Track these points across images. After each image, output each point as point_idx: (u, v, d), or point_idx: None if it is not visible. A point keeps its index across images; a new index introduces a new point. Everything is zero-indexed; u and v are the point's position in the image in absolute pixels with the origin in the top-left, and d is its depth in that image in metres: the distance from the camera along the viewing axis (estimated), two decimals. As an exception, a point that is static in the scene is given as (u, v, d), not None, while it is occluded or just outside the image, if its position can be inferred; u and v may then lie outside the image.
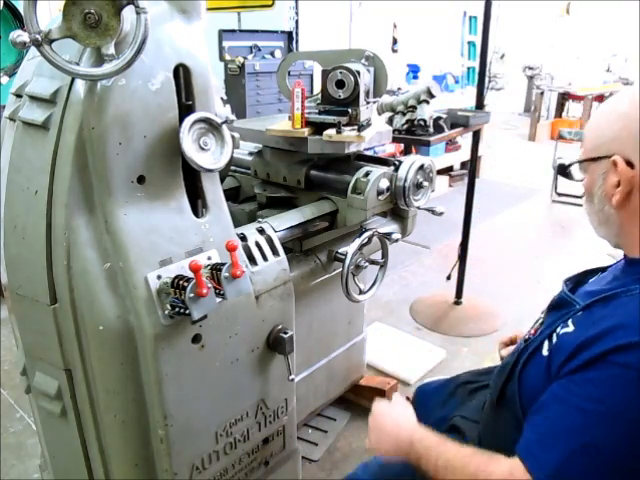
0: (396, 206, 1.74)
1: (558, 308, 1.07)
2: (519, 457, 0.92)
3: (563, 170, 1.10)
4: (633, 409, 0.84)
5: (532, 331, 1.11)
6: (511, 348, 1.29)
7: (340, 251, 1.68)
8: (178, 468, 1.27)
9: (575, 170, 1.07)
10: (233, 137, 1.24)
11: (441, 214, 1.74)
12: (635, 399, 0.84)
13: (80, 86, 1.04)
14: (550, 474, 0.88)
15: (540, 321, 1.12)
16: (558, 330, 0.99)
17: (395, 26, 6.88)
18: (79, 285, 1.11)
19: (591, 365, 0.89)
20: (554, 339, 0.99)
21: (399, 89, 4.99)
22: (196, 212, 1.23)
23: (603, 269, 1.14)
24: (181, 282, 1.09)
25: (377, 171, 1.62)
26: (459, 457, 0.99)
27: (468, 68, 8.00)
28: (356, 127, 1.61)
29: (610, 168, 0.96)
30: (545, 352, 0.99)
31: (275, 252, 1.43)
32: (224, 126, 1.19)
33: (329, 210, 1.68)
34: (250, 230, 1.42)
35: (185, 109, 1.17)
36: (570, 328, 0.97)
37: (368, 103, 1.70)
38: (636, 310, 0.89)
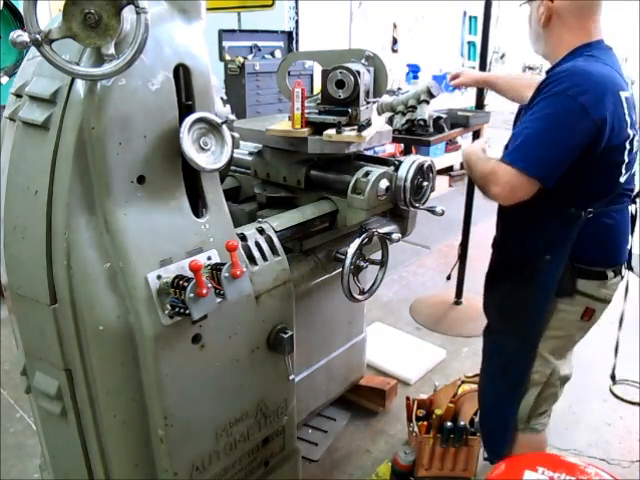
0: (396, 206, 1.74)
1: (517, 120, 1.66)
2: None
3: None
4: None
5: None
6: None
7: (340, 251, 1.68)
8: (178, 468, 1.27)
9: (525, 7, 1.59)
10: (233, 137, 1.24)
11: (441, 214, 1.74)
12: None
13: (80, 86, 1.04)
14: (511, 151, 1.43)
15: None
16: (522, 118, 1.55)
17: (395, 26, 6.87)
18: (79, 285, 1.11)
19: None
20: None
21: (399, 89, 4.98)
22: (196, 212, 1.23)
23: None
24: (181, 282, 1.09)
25: (377, 171, 1.62)
26: (480, 162, 1.56)
27: (468, 68, 7.99)
28: (356, 127, 1.61)
29: (540, 3, 1.50)
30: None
31: (275, 252, 1.43)
32: (224, 126, 1.19)
33: (329, 210, 1.68)
34: (250, 230, 1.42)
35: (185, 109, 1.17)
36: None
37: (368, 103, 1.70)
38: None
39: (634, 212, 1.64)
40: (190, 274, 1.09)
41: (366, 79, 1.65)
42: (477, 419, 2.07)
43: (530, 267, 1.58)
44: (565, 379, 1.73)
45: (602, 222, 1.52)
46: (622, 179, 1.51)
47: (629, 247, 1.64)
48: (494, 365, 1.81)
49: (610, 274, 1.58)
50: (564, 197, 1.48)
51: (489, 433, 1.89)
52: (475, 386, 2.19)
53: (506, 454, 1.68)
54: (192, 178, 1.22)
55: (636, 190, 1.61)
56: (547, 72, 1.53)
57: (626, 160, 1.48)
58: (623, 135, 1.44)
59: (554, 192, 1.43)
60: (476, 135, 3.19)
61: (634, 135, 1.48)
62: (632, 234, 1.65)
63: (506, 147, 1.49)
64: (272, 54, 5.10)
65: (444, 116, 2.88)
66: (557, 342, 1.65)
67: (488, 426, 1.89)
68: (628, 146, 1.47)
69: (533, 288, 1.59)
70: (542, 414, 1.77)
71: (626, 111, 1.43)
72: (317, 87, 1.93)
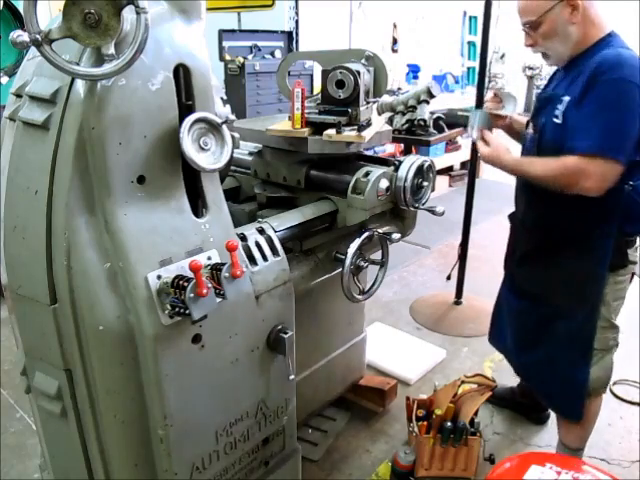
0: (396, 206, 1.74)
1: (542, 108, 1.75)
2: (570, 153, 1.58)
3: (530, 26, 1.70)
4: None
5: (531, 131, 1.83)
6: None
7: (340, 251, 1.68)
8: (178, 468, 1.27)
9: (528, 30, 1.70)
10: (233, 137, 1.24)
11: (441, 214, 1.74)
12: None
13: (80, 86, 1.04)
14: (594, 143, 1.52)
15: (532, 125, 1.83)
16: (558, 107, 1.65)
17: (395, 26, 6.87)
18: (79, 285, 1.11)
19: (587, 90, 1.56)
20: (558, 112, 1.65)
21: (399, 89, 4.99)
22: (196, 212, 1.23)
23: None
24: (181, 282, 1.09)
25: (377, 171, 1.62)
26: (538, 163, 1.68)
27: (468, 68, 8.00)
28: (356, 127, 1.61)
29: (562, 6, 1.61)
30: (559, 121, 1.65)
31: (275, 252, 1.43)
32: (224, 126, 1.19)
33: (329, 210, 1.68)
34: (250, 230, 1.42)
35: (185, 109, 1.17)
36: (567, 98, 1.63)
37: (368, 103, 1.70)
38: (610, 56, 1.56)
39: None
40: (190, 274, 1.09)
41: (366, 79, 1.65)
42: (477, 419, 2.08)
43: (582, 241, 1.70)
44: None
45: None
46: None
47: None
48: (557, 337, 1.86)
49: None
50: None
51: (565, 400, 1.93)
52: (475, 386, 2.19)
53: (581, 417, 1.88)
54: (192, 178, 1.22)
55: None
56: (572, 61, 1.68)
57: None
58: None
59: None
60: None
61: None
62: None
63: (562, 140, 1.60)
64: (272, 54, 5.10)
65: (443, 117, 2.88)
66: (618, 306, 1.83)
67: (561, 395, 1.94)
68: None
69: (590, 260, 1.70)
70: None
71: None
72: (317, 87, 1.93)
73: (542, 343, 1.92)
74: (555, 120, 1.64)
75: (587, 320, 1.79)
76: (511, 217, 2.05)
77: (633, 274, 1.80)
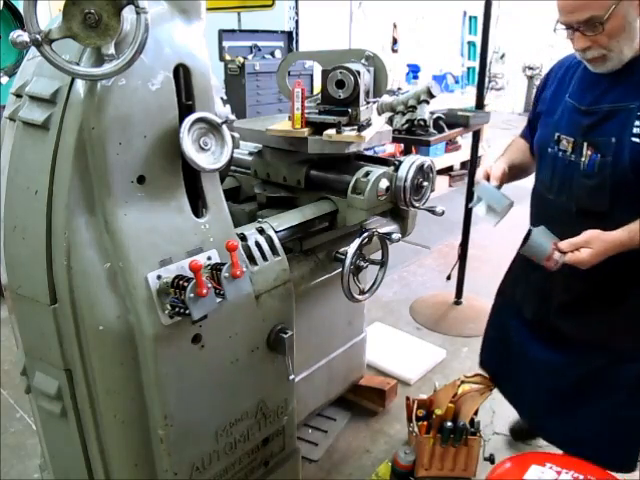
0: (396, 206, 1.74)
1: (602, 124, 1.44)
2: None
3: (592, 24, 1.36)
4: None
5: (589, 152, 1.46)
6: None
7: (340, 251, 1.68)
8: (178, 468, 1.27)
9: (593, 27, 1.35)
10: (233, 137, 1.24)
11: (441, 214, 1.74)
12: None
13: (80, 86, 1.04)
14: None
15: (586, 144, 1.46)
16: (637, 124, 1.38)
17: (395, 26, 6.88)
18: (79, 285, 1.11)
19: None
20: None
21: (399, 89, 4.99)
22: (196, 212, 1.23)
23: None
24: (181, 282, 1.09)
25: (377, 171, 1.62)
26: None
27: (468, 68, 8.01)
28: (356, 127, 1.61)
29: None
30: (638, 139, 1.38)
31: (275, 252, 1.43)
32: (224, 126, 1.19)
33: (329, 210, 1.68)
34: (250, 230, 1.42)
35: (185, 109, 1.17)
36: None
37: (368, 103, 1.70)
38: None
39: None
40: (190, 274, 1.09)
41: (366, 79, 1.65)
42: (477, 419, 2.08)
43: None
44: None
45: None
46: None
47: None
48: (622, 386, 1.60)
49: None
50: None
51: (620, 454, 1.69)
52: (475, 386, 2.19)
53: (635, 468, 1.70)
54: (192, 178, 1.22)
55: None
56: (628, 66, 1.42)
57: None
58: None
59: None
60: (476, 135, 3.19)
61: None
62: None
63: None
64: (272, 54, 5.11)
65: (443, 117, 2.88)
66: None
67: (617, 450, 1.69)
68: None
69: None
70: None
71: None
72: (317, 87, 1.93)
73: (597, 399, 1.65)
74: (637, 140, 1.38)
75: None
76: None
77: None
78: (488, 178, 1.61)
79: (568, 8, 1.36)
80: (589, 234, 1.40)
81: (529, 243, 1.47)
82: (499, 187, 1.60)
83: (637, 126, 1.38)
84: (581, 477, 1.34)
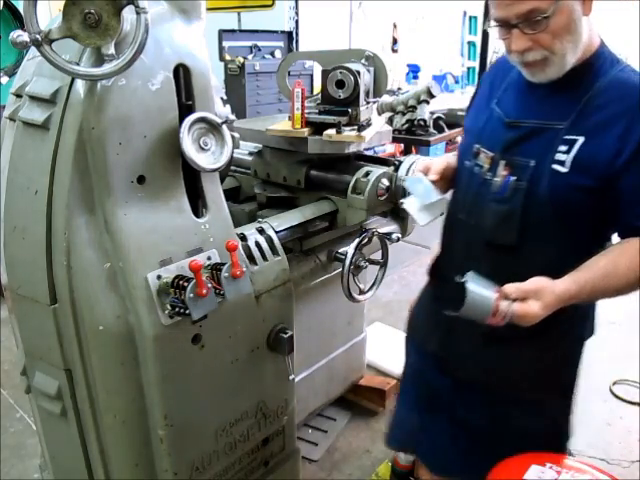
0: (396, 206, 1.74)
1: (523, 142, 1.23)
2: None
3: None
4: None
5: (505, 172, 1.24)
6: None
7: (340, 251, 1.68)
8: (178, 468, 1.27)
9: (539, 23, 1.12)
10: (233, 137, 1.24)
11: (441, 214, 1.74)
12: None
13: (80, 86, 1.04)
14: None
15: (504, 163, 1.24)
16: (561, 149, 1.16)
17: (395, 26, 6.88)
18: (79, 285, 1.11)
19: None
20: (564, 157, 1.16)
21: (399, 89, 4.99)
22: (196, 212, 1.23)
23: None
24: (181, 282, 1.09)
25: (377, 171, 1.62)
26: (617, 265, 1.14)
27: (468, 68, 8.00)
28: (356, 127, 1.61)
29: None
30: (564, 170, 1.16)
31: (275, 252, 1.43)
32: (224, 126, 1.19)
33: (329, 210, 1.68)
34: (250, 230, 1.42)
35: (185, 109, 1.17)
36: (579, 140, 1.15)
37: (368, 103, 1.70)
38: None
39: None
40: (190, 274, 1.09)
41: (366, 79, 1.65)
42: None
43: (567, 316, 1.22)
44: None
45: None
46: None
47: None
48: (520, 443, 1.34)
49: None
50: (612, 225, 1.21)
51: None
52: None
53: None
54: (192, 178, 1.22)
55: None
56: (567, 77, 1.18)
57: None
58: None
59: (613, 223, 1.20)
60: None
61: None
62: None
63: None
64: (272, 54, 5.11)
65: (443, 117, 2.88)
66: None
67: None
68: None
69: (574, 338, 1.35)
70: None
71: None
72: (317, 87, 1.93)
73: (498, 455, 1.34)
74: (558, 168, 1.16)
75: (563, 412, 1.43)
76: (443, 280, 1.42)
77: None
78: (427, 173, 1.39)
79: (506, 0, 1.12)
80: (537, 282, 1.13)
81: (468, 301, 1.15)
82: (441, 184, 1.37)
83: (561, 151, 1.16)
84: (581, 477, 1.34)
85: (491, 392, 1.38)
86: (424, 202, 1.33)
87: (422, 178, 1.35)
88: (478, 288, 1.17)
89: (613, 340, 3.06)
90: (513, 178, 1.21)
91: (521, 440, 1.34)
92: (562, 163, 1.16)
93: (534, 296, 1.12)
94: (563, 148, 1.16)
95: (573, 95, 1.17)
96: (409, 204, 1.35)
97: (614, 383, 2.68)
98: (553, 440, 1.41)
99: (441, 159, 1.43)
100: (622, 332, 3.12)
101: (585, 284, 1.14)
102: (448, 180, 1.40)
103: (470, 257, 1.29)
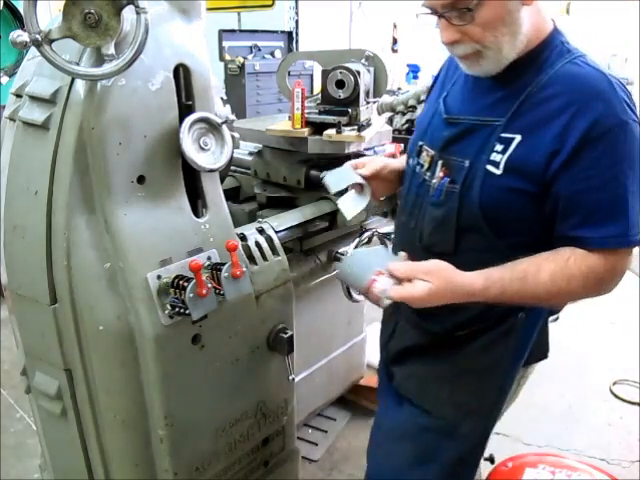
0: (396, 206, 1.74)
1: (460, 140, 1.12)
2: (596, 250, 1.02)
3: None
4: None
5: (441, 174, 1.14)
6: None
7: (340, 251, 1.68)
8: (178, 468, 1.27)
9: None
10: (233, 137, 1.24)
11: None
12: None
13: (80, 86, 1.04)
14: (625, 230, 1.00)
15: (441, 162, 1.14)
16: (497, 148, 1.05)
17: (395, 26, 6.88)
18: (79, 285, 1.11)
19: (587, 145, 0.98)
20: (499, 158, 1.05)
21: (399, 89, 4.99)
22: (196, 212, 1.23)
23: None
24: (181, 282, 1.09)
25: (377, 171, 1.62)
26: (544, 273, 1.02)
27: (468, 68, 7.98)
28: (356, 127, 1.61)
29: None
30: (498, 172, 1.05)
31: (275, 252, 1.43)
32: (224, 126, 1.19)
33: (329, 210, 1.68)
34: (250, 230, 1.42)
35: (185, 109, 1.17)
36: (516, 138, 1.03)
37: (368, 103, 1.70)
38: (585, 77, 1.02)
39: None
40: (190, 274, 1.09)
41: (366, 79, 1.65)
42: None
43: (495, 330, 1.15)
44: None
45: None
46: None
47: None
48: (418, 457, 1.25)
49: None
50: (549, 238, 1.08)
51: None
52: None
53: None
54: (192, 178, 1.22)
55: None
56: (510, 70, 1.06)
57: None
58: None
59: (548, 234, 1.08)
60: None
61: None
62: None
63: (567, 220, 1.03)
64: (272, 54, 5.11)
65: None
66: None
67: None
68: None
69: (505, 354, 1.17)
70: None
71: None
72: (317, 87, 1.93)
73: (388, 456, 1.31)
74: (491, 169, 1.05)
75: (473, 437, 1.25)
76: None
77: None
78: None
79: None
80: (435, 264, 1.04)
81: (342, 264, 1.10)
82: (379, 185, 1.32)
83: (496, 151, 1.05)
84: (574, 475, 1.35)
85: (414, 404, 1.27)
86: (337, 188, 1.29)
87: (346, 171, 1.30)
88: (366, 256, 1.13)
89: (613, 340, 3.06)
90: (447, 180, 1.12)
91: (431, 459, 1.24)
92: (496, 164, 1.05)
93: (423, 277, 1.02)
94: (499, 147, 1.05)
95: (513, 90, 1.06)
96: (342, 203, 1.30)
97: (614, 383, 2.68)
98: (460, 465, 1.26)
99: (381, 159, 1.38)
100: (622, 332, 3.13)
101: (497, 282, 1.02)
102: (389, 182, 1.33)
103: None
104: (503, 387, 1.21)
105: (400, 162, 1.37)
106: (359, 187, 1.29)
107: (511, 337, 1.15)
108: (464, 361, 1.21)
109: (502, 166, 1.04)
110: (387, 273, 1.04)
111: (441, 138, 1.15)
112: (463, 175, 1.09)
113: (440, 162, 1.14)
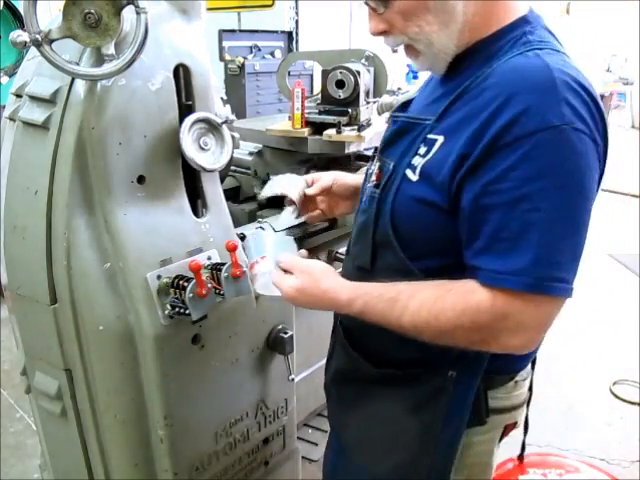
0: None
1: (396, 140, 0.99)
2: (487, 285, 0.81)
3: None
4: (566, 163, 0.78)
5: (374, 178, 1.00)
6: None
7: (340, 251, 1.68)
8: (178, 468, 1.27)
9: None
10: (233, 137, 1.24)
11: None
12: (560, 153, 0.77)
13: (80, 86, 1.04)
14: (526, 266, 0.78)
15: (378, 165, 1.01)
16: (420, 151, 0.90)
17: (395, 26, 6.87)
18: (79, 285, 1.11)
19: (501, 150, 0.79)
20: (417, 162, 0.90)
21: (399, 89, 4.99)
22: (196, 212, 1.23)
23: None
24: (181, 282, 1.09)
25: (377, 171, 1.62)
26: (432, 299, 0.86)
27: (468, 68, 7.98)
28: (356, 127, 1.61)
29: None
30: (415, 177, 0.90)
31: (275, 252, 1.43)
32: (224, 126, 1.19)
33: (329, 210, 1.68)
34: (250, 230, 1.42)
35: (185, 109, 1.17)
36: (439, 140, 0.87)
37: (368, 103, 1.70)
38: (512, 78, 0.82)
39: None
40: (190, 274, 1.09)
41: (366, 79, 1.66)
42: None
43: (425, 385, 0.99)
44: None
45: None
46: None
47: None
48: None
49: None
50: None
51: None
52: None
53: None
54: (192, 178, 1.22)
55: None
56: (456, 65, 0.93)
57: None
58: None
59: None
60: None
61: None
62: None
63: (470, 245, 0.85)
64: (272, 54, 5.11)
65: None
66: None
67: None
68: None
69: (435, 416, 0.99)
70: None
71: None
72: (317, 87, 1.93)
73: None
74: (409, 174, 0.91)
75: None
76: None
77: (515, 423, 1.10)
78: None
79: None
80: (313, 263, 0.99)
81: (249, 235, 1.13)
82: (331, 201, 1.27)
83: (419, 154, 0.90)
84: (574, 475, 1.35)
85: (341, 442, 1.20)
86: (268, 193, 1.29)
87: (282, 180, 1.30)
88: (266, 236, 1.16)
89: (613, 340, 3.06)
90: (374, 184, 0.99)
91: None
92: (414, 169, 0.90)
93: (298, 273, 0.98)
94: (422, 150, 0.90)
95: (453, 85, 0.91)
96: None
97: (614, 383, 2.68)
98: None
99: (332, 173, 1.28)
100: (622, 332, 3.13)
101: (361, 296, 0.91)
102: (340, 197, 1.26)
103: (344, 276, 1.02)
104: (440, 452, 1.01)
105: (354, 177, 1.27)
106: (292, 203, 1.26)
107: (442, 398, 0.98)
108: (386, 407, 1.05)
109: (418, 171, 0.89)
110: (274, 261, 1.04)
111: (383, 139, 1.05)
112: (385, 179, 0.96)
113: (377, 165, 1.01)
